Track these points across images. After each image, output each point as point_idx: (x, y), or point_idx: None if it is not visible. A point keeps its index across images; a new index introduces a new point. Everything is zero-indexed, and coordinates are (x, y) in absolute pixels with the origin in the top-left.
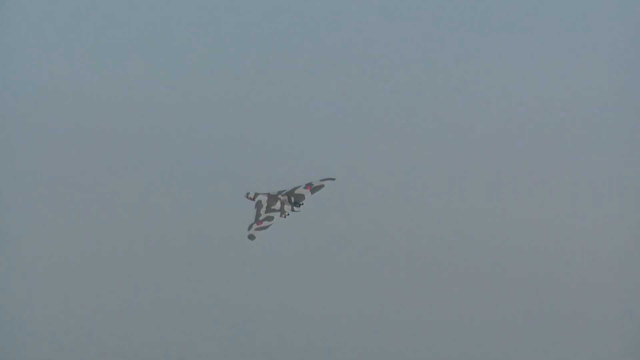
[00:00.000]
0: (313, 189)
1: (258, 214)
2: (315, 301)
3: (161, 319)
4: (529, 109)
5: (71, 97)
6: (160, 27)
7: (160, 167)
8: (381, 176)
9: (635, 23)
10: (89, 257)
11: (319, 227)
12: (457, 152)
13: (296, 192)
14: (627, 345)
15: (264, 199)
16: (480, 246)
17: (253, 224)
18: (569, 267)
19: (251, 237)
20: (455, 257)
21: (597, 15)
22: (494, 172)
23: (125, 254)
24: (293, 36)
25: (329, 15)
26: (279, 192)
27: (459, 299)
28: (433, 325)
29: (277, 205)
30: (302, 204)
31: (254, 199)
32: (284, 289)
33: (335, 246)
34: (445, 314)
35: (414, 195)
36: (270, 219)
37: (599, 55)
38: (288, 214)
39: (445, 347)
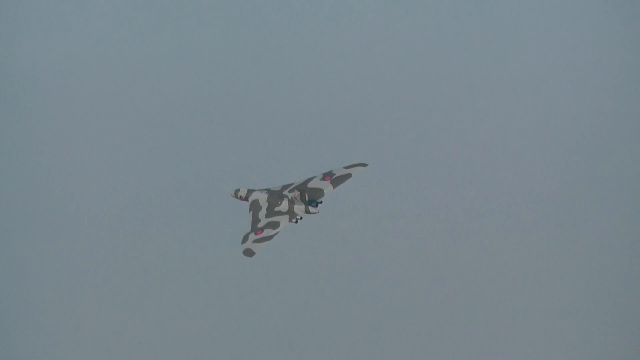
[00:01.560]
0: (335, 179)
1: (255, 219)
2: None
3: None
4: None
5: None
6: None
7: None
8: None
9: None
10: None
11: (348, 236)
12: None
13: (310, 185)
14: None
15: (262, 198)
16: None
17: (249, 233)
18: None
19: (248, 252)
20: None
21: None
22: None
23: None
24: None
25: None
26: (284, 187)
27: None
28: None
29: (284, 206)
30: (321, 202)
31: (245, 199)
32: (299, 329)
33: (375, 263)
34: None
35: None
36: (274, 225)
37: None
38: (301, 218)
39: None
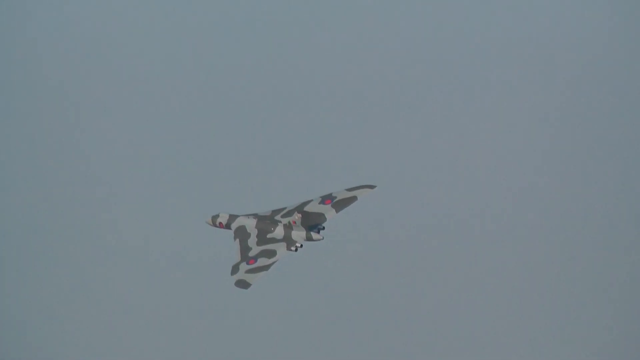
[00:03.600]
0: (337, 203)
1: (244, 247)
2: None
3: None
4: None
5: None
6: None
7: None
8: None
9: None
10: None
11: (357, 266)
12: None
13: (307, 209)
14: None
15: (249, 224)
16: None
17: (240, 262)
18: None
19: (242, 283)
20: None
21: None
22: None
23: None
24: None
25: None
26: (275, 212)
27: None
28: None
29: (278, 232)
30: (323, 227)
31: (227, 227)
32: None
33: (389, 294)
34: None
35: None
36: (270, 254)
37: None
38: (301, 246)
39: None
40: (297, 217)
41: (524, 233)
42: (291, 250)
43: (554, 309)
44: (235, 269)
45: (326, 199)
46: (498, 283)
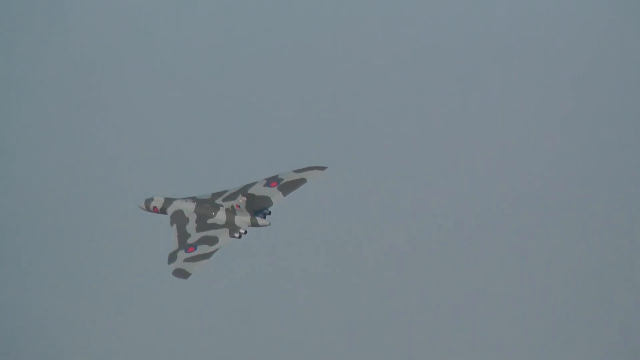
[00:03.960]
0: (284, 186)
1: (183, 234)
2: None
3: None
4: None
5: None
6: None
7: None
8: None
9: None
10: None
11: (304, 253)
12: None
13: (251, 192)
14: None
15: (187, 208)
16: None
17: (177, 250)
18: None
19: (181, 272)
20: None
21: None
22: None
23: None
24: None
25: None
26: (215, 195)
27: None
28: None
29: (220, 217)
30: (270, 212)
31: (162, 211)
32: None
33: (340, 284)
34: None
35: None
36: (211, 241)
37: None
38: (245, 232)
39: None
40: (241, 200)
41: (486, 219)
42: (235, 236)
43: (535, 303)
44: (172, 257)
45: (272, 181)
46: (459, 268)
